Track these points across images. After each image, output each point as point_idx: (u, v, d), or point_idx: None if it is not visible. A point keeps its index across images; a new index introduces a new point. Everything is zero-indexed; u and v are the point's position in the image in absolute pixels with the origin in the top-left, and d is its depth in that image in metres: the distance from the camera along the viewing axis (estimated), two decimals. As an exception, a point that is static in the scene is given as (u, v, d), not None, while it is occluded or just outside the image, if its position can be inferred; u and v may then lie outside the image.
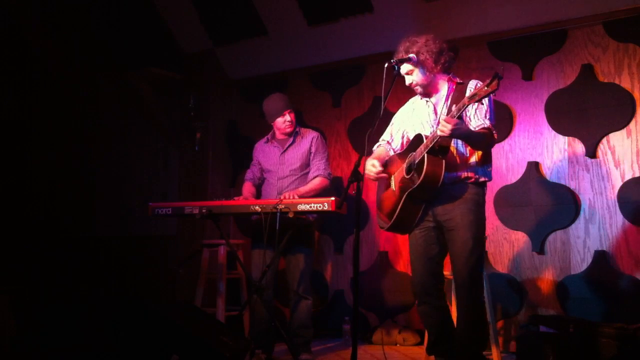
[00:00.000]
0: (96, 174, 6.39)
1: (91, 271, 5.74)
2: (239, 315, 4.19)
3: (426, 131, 3.10)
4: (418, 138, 3.06)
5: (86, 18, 5.79)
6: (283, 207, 3.77)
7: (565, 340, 3.53)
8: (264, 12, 5.27)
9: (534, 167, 4.41)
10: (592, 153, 4.21)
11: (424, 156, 2.92)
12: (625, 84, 4.17)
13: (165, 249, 5.63)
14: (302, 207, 3.76)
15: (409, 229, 3.14)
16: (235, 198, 4.21)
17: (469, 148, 3.05)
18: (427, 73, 3.08)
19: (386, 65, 2.97)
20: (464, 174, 3.04)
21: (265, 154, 4.33)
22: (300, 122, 5.44)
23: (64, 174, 6.08)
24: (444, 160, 2.93)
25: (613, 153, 4.16)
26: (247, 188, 4.33)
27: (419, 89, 3.15)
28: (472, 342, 3.00)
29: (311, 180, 4.14)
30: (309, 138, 4.24)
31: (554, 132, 4.38)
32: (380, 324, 4.77)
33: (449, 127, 2.76)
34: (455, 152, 3.04)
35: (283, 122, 4.20)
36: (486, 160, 3.10)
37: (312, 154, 4.20)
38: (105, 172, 6.36)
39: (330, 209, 3.70)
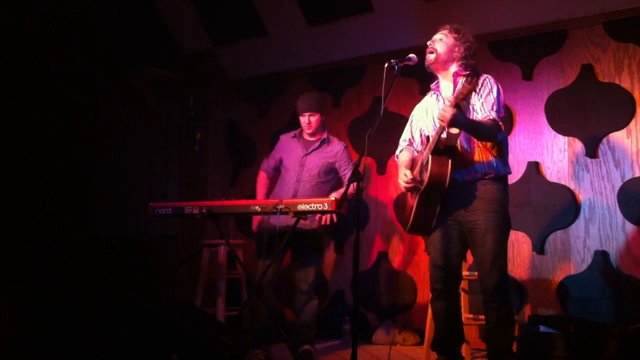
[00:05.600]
0: (96, 174, 6.38)
1: (91, 271, 5.73)
2: (239, 315, 4.19)
3: (438, 128, 3.10)
4: (427, 139, 3.09)
5: (86, 18, 5.78)
6: (283, 207, 3.77)
7: (566, 340, 3.53)
8: (264, 12, 5.27)
9: (534, 167, 4.41)
10: (592, 153, 4.21)
11: (428, 157, 2.92)
12: (625, 84, 4.17)
13: (165, 249, 5.63)
14: (302, 207, 3.75)
15: (429, 230, 3.11)
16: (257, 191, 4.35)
17: (482, 144, 3.03)
18: (448, 52, 3.13)
19: (386, 65, 2.96)
20: (482, 172, 3.02)
21: (288, 149, 4.31)
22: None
23: (64, 174, 6.07)
24: (450, 160, 2.92)
25: (613, 153, 4.16)
26: (262, 181, 4.41)
27: (430, 58, 3.13)
28: (503, 341, 3.02)
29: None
30: (336, 149, 4.23)
31: (554, 132, 4.38)
32: (380, 324, 4.76)
33: (449, 114, 2.77)
34: (470, 149, 3.03)
35: (303, 122, 4.23)
36: (502, 154, 3.09)
37: (340, 166, 4.20)
38: (105, 172, 6.34)
39: (330, 209, 3.70)
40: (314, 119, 4.20)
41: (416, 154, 3.32)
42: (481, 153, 3.04)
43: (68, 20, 5.75)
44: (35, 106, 5.91)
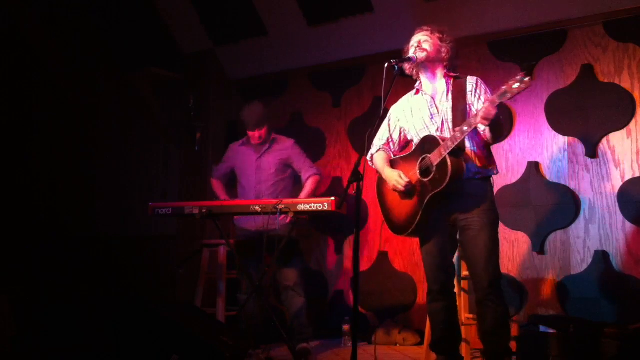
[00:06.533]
0: (96, 174, 6.39)
1: (91, 271, 5.74)
2: (238, 315, 4.20)
3: (431, 129, 3.08)
4: (430, 140, 3.02)
5: (86, 18, 5.78)
6: (283, 206, 3.81)
7: (565, 340, 3.53)
8: (264, 12, 5.27)
9: (534, 167, 4.41)
10: (592, 153, 4.22)
11: (445, 157, 2.89)
12: (625, 84, 4.17)
13: (165, 249, 5.63)
14: (302, 207, 3.80)
15: (427, 233, 3.09)
16: (222, 197, 4.43)
17: (476, 144, 3.04)
18: (436, 52, 3.12)
19: (386, 65, 2.96)
20: (474, 171, 3.03)
21: (241, 156, 4.45)
22: (300, 122, 5.46)
23: (64, 174, 6.07)
24: (462, 159, 2.93)
25: (613, 153, 4.16)
26: (220, 186, 4.54)
27: (421, 56, 3.11)
28: (501, 339, 3.01)
29: (305, 182, 4.31)
30: (286, 145, 4.38)
31: (554, 132, 4.38)
32: (380, 324, 4.76)
33: (494, 112, 2.77)
34: (468, 148, 3.03)
35: (253, 136, 4.36)
36: (491, 154, 3.12)
37: (294, 161, 4.36)
38: (105, 172, 6.35)
39: (330, 209, 3.72)
40: (263, 131, 4.34)
41: (393, 156, 3.28)
42: (476, 153, 3.05)
43: (68, 20, 5.76)
44: (35, 106, 5.92)
